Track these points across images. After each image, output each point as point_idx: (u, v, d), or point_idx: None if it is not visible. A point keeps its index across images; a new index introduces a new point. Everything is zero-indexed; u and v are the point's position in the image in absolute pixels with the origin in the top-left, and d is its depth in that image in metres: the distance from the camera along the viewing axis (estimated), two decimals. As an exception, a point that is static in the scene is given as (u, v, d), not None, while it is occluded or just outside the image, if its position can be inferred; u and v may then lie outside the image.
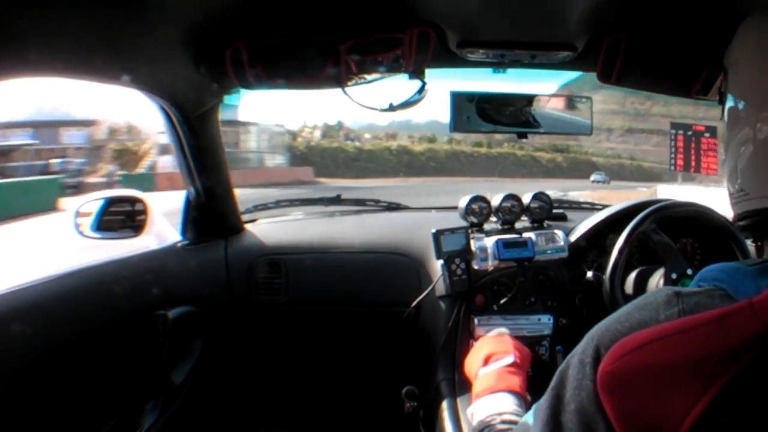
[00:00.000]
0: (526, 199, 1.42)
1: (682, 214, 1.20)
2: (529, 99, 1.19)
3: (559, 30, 0.98)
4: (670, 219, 1.20)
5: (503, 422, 0.73)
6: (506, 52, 1.04)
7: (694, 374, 0.42)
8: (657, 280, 1.15)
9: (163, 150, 21.22)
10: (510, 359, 0.87)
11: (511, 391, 0.80)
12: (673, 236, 1.29)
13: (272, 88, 1.05)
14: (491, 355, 0.91)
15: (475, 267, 1.28)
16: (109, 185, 15.67)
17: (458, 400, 1.22)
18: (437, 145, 38.56)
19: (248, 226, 1.61)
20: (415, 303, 1.41)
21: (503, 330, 1.04)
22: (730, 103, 0.55)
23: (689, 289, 0.49)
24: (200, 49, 1.03)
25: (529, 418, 0.56)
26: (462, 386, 1.25)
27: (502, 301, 1.29)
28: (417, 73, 1.05)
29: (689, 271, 1.13)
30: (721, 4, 0.87)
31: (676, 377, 0.43)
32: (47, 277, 1.09)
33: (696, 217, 1.25)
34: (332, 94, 1.04)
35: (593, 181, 33.84)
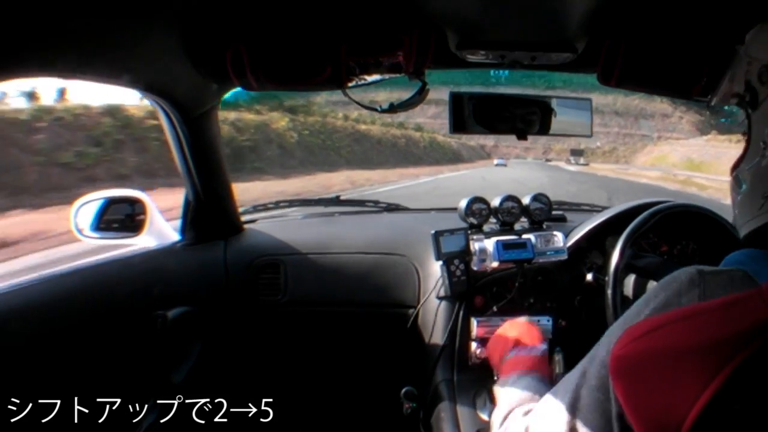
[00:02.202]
0: (525, 200, 1.42)
1: (666, 219, 1.19)
2: (529, 100, 1.19)
3: (559, 31, 0.98)
4: (648, 232, 1.19)
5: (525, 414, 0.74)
6: (506, 54, 1.04)
7: (702, 360, 0.42)
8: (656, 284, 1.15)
9: None
10: (541, 349, 0.89)
11: (531, 370, 0.82)
12: (673, 238, 1.29)
13: (272, 89, 1.06)
14: (520, 341, 0.92)
15: (475, 268, 1.28)
16: None
17: (457, 401, 1.22)
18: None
19: (248, 227, 1.61)
20: (420, 305, 1.41)
21: (526, 319, 1.05)
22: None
23: (713, 269, 0.49)
24: (201, 51, 1.03)
25: (557, 387, 0.58)
26: (461, 387, 1.25)
27: (501, 303, 1.29)
28: (417, 74, 1.05)
29: None
30: (721, 6, 0.87)
31: (683, 362, 0.43)
32: (47, 276, 1.09)
33: (690, 218, 1.25)
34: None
35: (497, 165, 35.82)
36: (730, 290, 0.46)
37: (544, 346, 0.90)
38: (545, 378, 0.82)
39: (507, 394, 0.79)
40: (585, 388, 0.53)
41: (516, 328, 0.98)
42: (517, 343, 0.92)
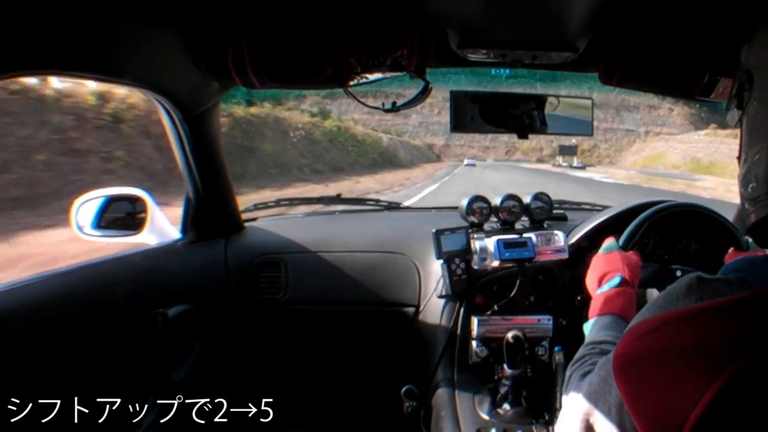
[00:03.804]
0: (526, 199, 1.42)
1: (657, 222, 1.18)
2: (530, 99, 1.19)
3: (560, 31, 0.98)
4: (649, 231, 1.19)
5: (601, 353, 0.75)
6: (507, 53, 1.04)
7: (704, 359, 0.43)
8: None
9: None
10: (617, 279, 0.88)
11: (613, 314, 0.82)
12: (674, 237, 1.29)
13: (274, 87, 1.06)
14: (603, 275, 0.92)
15: (475, 267, 1.28)
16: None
17: (457, 399, 1.22)
18: None
19: (248, 225, 1.61)
20: (421, 304, 1.41)
21: (611, 245, 1.01)
22: (754, 108, 0.54)
23: (711, 276, 0.50)
24: (202, 49, 1.03)
25: (589, 377, 0.59)
26: (462, 386, 1.25)
27: (502, 302, 1.29)
28: (418, 73, 1.05)
29: (678, 273, 1.13)
30: (724, 6, 0.87)
31: (685, 362, 0.44)
32: (47, 274, 1.09)
33: (691, 218, 1.24)
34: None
35: (466, 165, 33.29)
36: (727, 295, 0.46)
37: (618, 277, 0.88)
38: (618, 317, 0.81)
39: (588, 336, 0.81)
40: (596, 383, 0.55)
41: (599, 261, 0.97)
42: (601, 279, 0.91)
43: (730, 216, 1.28)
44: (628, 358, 0.49)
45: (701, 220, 1.24)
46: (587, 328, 0.83)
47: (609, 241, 1.03)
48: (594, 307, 0.86)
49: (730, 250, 0.81)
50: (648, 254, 1.27)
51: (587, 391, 0.57)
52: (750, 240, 1.18)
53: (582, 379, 0.65)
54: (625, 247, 1.13)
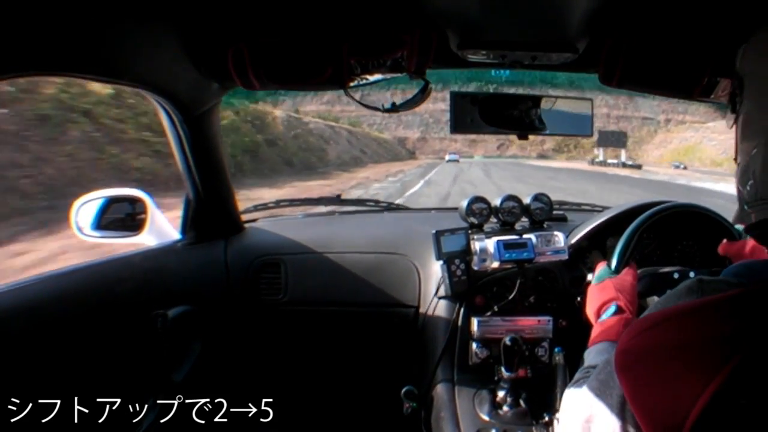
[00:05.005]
0: (526, 200, 1.42)
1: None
2: (529, 99, 1.19)
3: (560, 31, 0.98)
4: (648, 232, 1.17)
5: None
6: (507, 53, 1.04)
7: (705, 354, 0.43)
8: None
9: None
10: (613, 309, 0.89)
11: (609, 340, 0.83)
12: (673, 238, 1.29)
13: (274, 88, 1.06)
14: (599, 307, 0.92)
15: (475, 268, 1.28)
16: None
17: (457, 400, 1.22)
18: None
19: (248, 226, 1.61)
20: (420, 305, 1.41)
21: (602, 273, 1.01)
22: (747, 110, 0.55)
23: (712, 278, 0.50)
24: (202, 49, 1.03)
25: (589, 380, 0.59)
26: (461, 387, 1.25)
27: (502, 303, 1.29)
28: (418, 74, 1.06)
29: (676, 276, 1.13)
30: (723, 7, 0.87)
31: (687, 356, 0.44)
32: (47, 275, 1.09)
33: (692, 218, 1.24)
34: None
35: (448, 161, 30.19)
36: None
37: (614, 306, 0.89)
38: (614, 343, 0.80)
39: (585, 362, 0.81)
40: (595, 387, 0.56)
41: (593, 294, 0.97)
42: (599, 311, 0.92)
43: (730, 216, 1.28)
44: (630, 353, 0.49)
45: (702, 221, 1.24)
46: (586, 356, 0.84)
47: (600, 269, 1.03)
48: (592, 336, 0.87)
49: (723, 241, 0.81)
50: (648, 255, 1.27)
51: (586, 397, 0.58)
52: (741, 228, 1.18)
53: (580, 388, 0.65)
54: (618, 268, 1.07)
